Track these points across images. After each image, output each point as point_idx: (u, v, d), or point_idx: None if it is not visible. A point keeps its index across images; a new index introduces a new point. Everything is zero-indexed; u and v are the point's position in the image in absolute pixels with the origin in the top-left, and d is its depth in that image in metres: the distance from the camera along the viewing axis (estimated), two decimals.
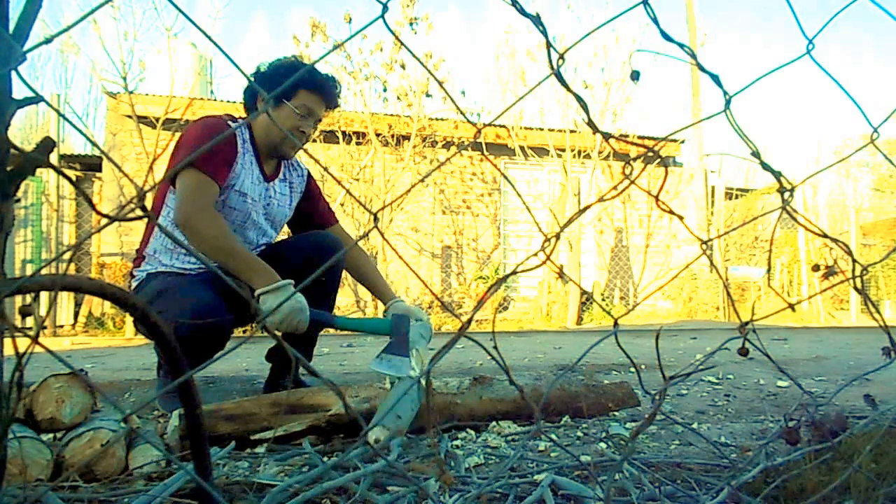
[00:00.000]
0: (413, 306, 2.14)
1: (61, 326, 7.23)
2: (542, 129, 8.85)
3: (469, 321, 0.67)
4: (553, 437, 1.74)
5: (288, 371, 2.27)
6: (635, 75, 0.81)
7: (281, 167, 2.22)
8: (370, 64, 7.83)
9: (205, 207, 1.83)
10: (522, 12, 0.70)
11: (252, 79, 0.79)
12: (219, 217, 1.87)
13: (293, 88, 1.97)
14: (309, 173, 2.36)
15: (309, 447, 1.47)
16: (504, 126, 8.75)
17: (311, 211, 2.33)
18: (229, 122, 2.00)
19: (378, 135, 8.03)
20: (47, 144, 0.60)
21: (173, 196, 1.97)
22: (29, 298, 0.61)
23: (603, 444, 1.63)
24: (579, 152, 8.71)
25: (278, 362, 2.32)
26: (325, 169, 1.02)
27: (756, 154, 0.84)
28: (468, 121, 0.85)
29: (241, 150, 2.02)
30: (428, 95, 8.03)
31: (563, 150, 8.65)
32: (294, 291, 0.67)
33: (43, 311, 5.97)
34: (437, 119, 8.42)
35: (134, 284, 2.05)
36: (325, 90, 2.03)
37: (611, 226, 9.87)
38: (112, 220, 0.53)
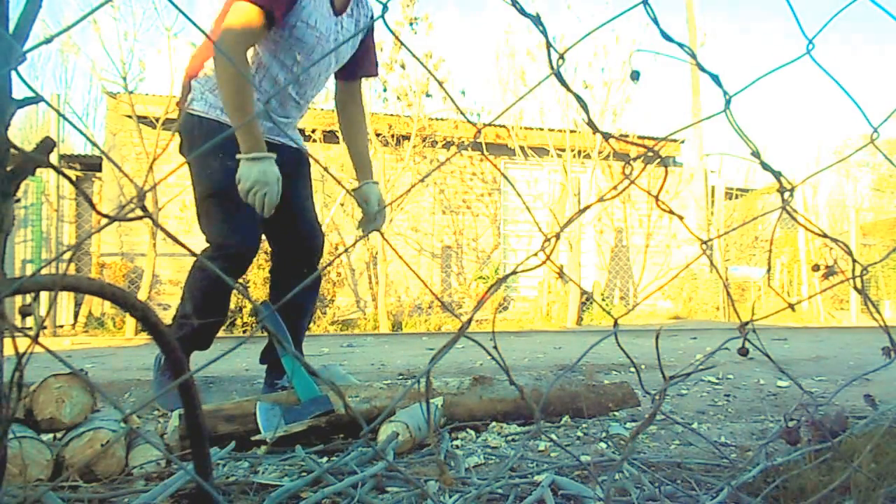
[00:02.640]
0: (377, 205, 2.20)
1: (61, 326, 7.22)
2: (542, 129, 8.84)
3: (469, 321, 0.67)
4: (553, 437, 1.74)
5: (282, 371, 2.27)
6: (635, 75, 0.81)
7: (349, 1, 2.14)
8: None
9: (237, 45, 1.84)
10: (522, 12, 0.70)
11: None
12: (243, 63, 1.88)
13: None
14: (373, 14, 2.27)
15: (301, 452, 1.47)
16: (504, 126, 8.75)
17: (361, 57, 2.26)
18: None
19: (378, 135, 8.03)
20: (47, 144, 0.61)
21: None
22: (29, 298, 0.61)
23: (603, 444, 1.63)
24: (579, 152, 8.71)
25: (272, 363, 2.32)
26: (325, 169, 1.02)
27: (756, 154, 0.84)
28: (468, 121, 0.85)
29: None
30: (428, 95, 8.02)
31: (563, 150, 8.64)
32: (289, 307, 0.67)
33: (43, 311, 5.96)
34: (437, 119, 8.42)
35: (188, 103, 2.09)
36: None
37: (611, 226, 9.87)
38: (112, 220, 0.53)
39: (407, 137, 8.07)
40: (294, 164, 2.23)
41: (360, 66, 2.30)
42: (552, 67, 0.69)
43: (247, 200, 1.83)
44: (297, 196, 2.27)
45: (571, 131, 8.72)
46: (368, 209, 2.18)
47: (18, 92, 0.62)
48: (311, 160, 2.37)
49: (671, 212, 0.83)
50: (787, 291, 9.69)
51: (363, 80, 2.39)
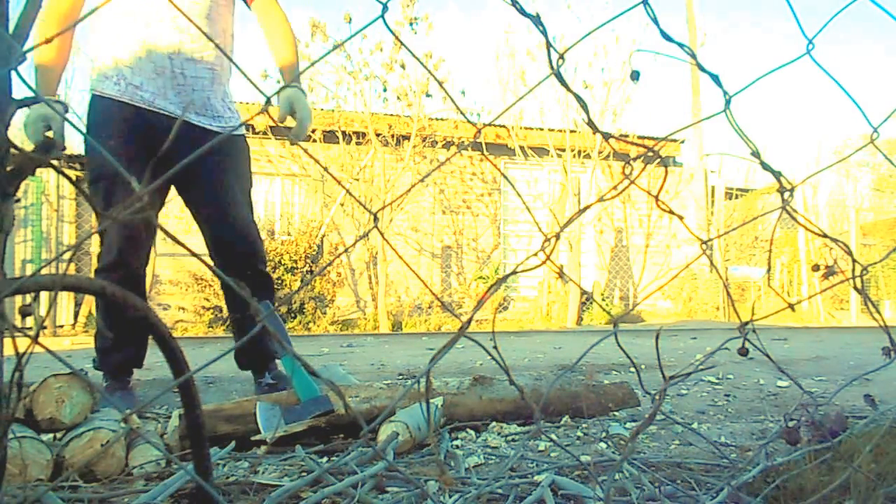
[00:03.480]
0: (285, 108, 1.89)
1: (61, 326, 7.22)
2: (542, 129, 8.85)
3: (469, 321, 0.67)
4: (553, 437, 1.74)
5: (262, 369, 2.26)
6: (635, 75, 0.81)
7: None
8: (370, 64, 7.84)
9: (50, 15, 1.89)
10: (522, 12, 0.70)
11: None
12: (48, 7, 1.88)
13: None
14: None
15: (301, 452, 1.47)
16: (504, 126, 8.76)
17: None
18: None
19: (378, 135, 8.03)
20: (47, 144, 0.60)
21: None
22: (29, 298, 0.61)
23: (603, 444, 1.63)
24: (579, 152, 8.71)
25: (246, 364, 2.31)
26: (325, 169, 1.02)
27: (756, 154, 0.84)
28: (468, 121, 0.85)
29: None
30: (428, 95, 8.03)
31: (563, 150, 8.65)
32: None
33: (43, 311, 5.96)
34: (437, 119, 8.42)
35: (91, 83, 2.01)
36: None
37: (611, 226, 9.87)
38: (112, 220, 0.53)
39: (407, 137, 8.07)
40: (202, 150, 1.99)
41: None
42: (552, 67, 0.69)
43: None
44: (212, 192, 2.02)
45: (571, 131, 8.72)
46: (281, 115, 1.89)
47: (18, 92, 0.62)
48: (245, 151, 2.13)
49: (671, 212, 0.83)
50: (787, 291, 9.69)
51: None
